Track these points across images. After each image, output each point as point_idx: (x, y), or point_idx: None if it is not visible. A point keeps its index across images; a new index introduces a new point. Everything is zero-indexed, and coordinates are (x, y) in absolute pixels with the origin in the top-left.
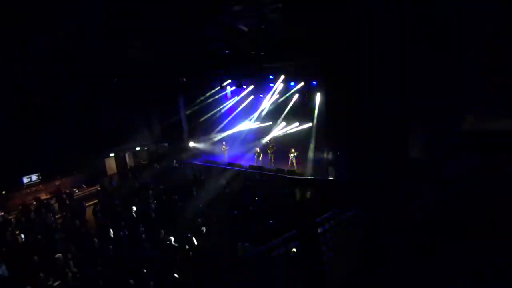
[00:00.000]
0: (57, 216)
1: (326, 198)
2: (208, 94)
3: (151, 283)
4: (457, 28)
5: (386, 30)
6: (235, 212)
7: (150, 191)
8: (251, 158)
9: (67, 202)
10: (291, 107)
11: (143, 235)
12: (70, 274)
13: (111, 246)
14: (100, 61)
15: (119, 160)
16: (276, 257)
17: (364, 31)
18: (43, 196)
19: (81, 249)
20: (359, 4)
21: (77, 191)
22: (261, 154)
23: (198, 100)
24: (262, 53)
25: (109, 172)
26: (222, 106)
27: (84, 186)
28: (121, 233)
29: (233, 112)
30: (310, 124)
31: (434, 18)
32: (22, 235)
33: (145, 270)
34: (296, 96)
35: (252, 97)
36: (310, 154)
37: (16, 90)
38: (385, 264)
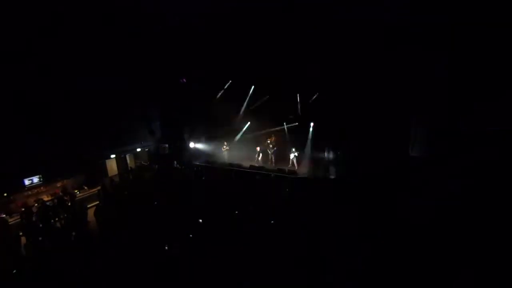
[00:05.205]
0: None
1: (326, 197)
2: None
3: None
4: None
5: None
6: (236, 212)
7: (152, 192)
8: (252, 158)
9: (69, 204)
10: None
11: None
12: (71, 275)
13: None
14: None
15: (120, 161)
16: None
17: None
18: (45, 198)
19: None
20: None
21: (78, 192)
22: (261, 154)
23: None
24: None
25: (110, 174)
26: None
27: (85, 187)
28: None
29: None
30: (311, 124)
31: None
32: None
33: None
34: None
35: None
36: (311, 154)
37: (17, 91)
38: (386, 260)
